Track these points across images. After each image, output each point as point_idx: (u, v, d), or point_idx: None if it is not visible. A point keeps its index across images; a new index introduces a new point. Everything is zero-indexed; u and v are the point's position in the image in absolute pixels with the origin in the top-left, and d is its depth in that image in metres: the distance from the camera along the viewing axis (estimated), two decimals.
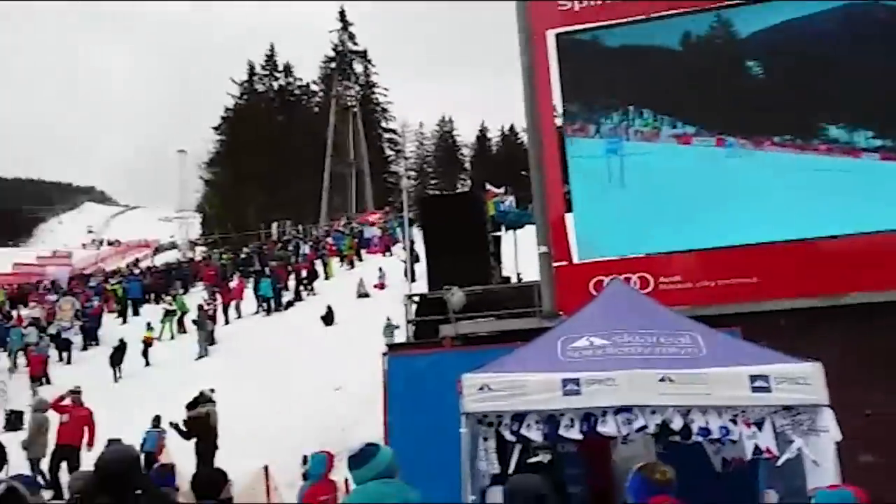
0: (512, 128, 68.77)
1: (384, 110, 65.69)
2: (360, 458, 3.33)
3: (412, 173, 67.80)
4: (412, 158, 69.90)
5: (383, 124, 65.84)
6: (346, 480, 6.89)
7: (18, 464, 10.67)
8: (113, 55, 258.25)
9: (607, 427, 4.61)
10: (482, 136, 71.64)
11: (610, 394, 4.56)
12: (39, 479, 10.47)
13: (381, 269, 24.83)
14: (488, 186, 14.27)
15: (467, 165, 70.83)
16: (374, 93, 64.48)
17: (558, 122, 9.19)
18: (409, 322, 10.03)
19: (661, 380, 4.52)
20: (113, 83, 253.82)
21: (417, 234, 13.68)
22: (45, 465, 11.11)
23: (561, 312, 8.13)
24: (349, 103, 57.52)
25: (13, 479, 3.16)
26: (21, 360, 19.95)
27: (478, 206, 11.71)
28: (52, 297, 27.66)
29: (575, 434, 4.70)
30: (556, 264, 8.67)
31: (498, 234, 12.17)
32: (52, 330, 21.85)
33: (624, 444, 5.57)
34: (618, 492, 5.23)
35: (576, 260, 8.64)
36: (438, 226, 10.77)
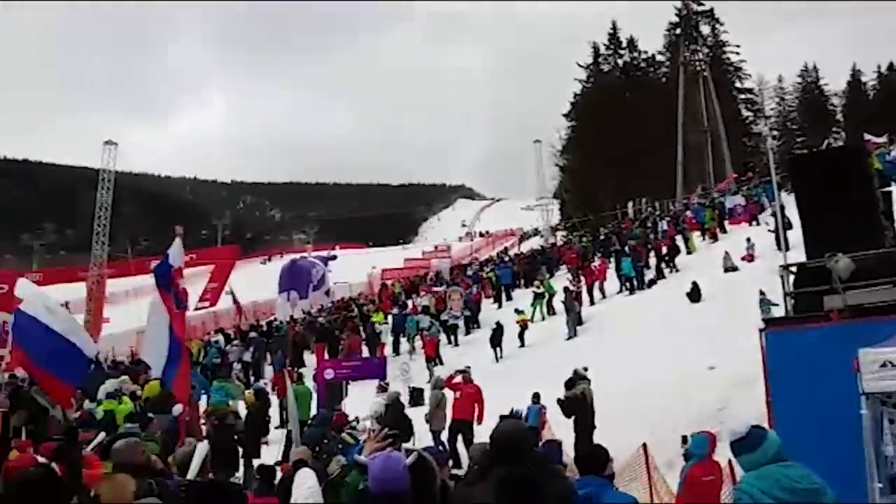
0: (892, 66, 59.41)
1: (737, 69, 61.22)
2: (751, 441, 3.17)
3: (774, 133, 62.19)
4: (773, 117, 64.09)
5: (737, 84, 61.44)
6: (730, 462, 6.64)
7: (421, 435, 12.23)
8: (457, 58, 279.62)
9: None
10: (855, 81, 62.97)
11: None
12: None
13: (748, 240, 23.28)
14: (867, 137, 12.51)
15: (838, 117, 62.80)
16: (724, 53, 60.43)
17: None
18: (786, 295, 9.22)
19: None
20: (464, 85, 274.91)
21: (787, 198, 12.54)
22: (444, 436, 12.51)
23: None
24: (698, 68, 54.83)
25: (425, 450, 3.58)
26: (417, 343, 22.71)
27: (859, 160, 10.30)
28: (440, 287, 30.93)
29: None
30: None
31: (888, 189, 10.61)
32: (444, 317, 24.46)
33: None
34: None
35: None
36: (813, 187, 9.70)
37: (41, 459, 5.70)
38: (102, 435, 8.57)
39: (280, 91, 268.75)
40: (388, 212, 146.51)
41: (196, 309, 39.88)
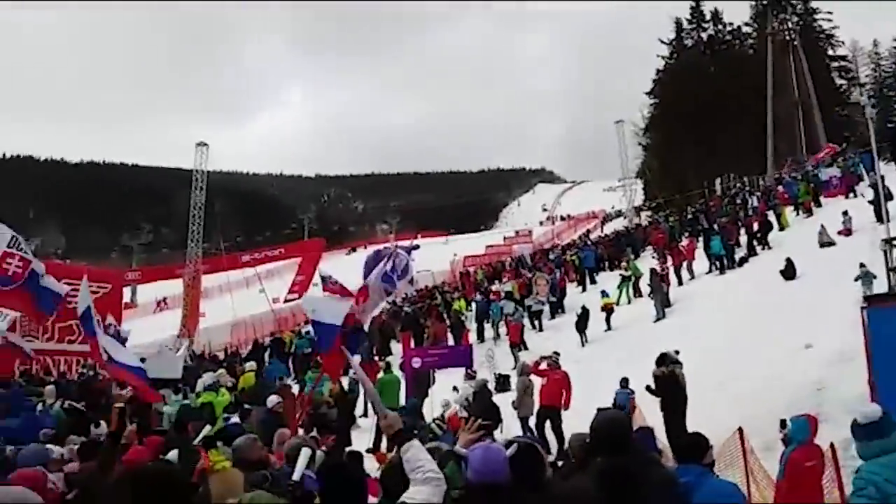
0: None
1: (829, 37, 58.33)
2: (883, 427, 3.02)
3: (871, 101, 58.86)
4: (868, 84, 60.75)
5: (829, 52, 58.52)
6: (832, 446, 6.39)
7: (509, 422, 12.25)
8: (534, 39, 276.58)
9: None
10: None
11: None
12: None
13: (844, 213, 22.19)
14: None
15: None
16: (814, 20, 57.68)
17: None
18: (889, 270, 8.80)
19: None
20: (541, 68, 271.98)
21: (886, 168, 11.90)
22: (531, 423, 12.50)
23: None
24: (787, 37, 52.52)
25: (522, 438, 3.57)
26: (501, 329, 22.72)
27: None
28: (523, 272, 30.81)
29: None
30: None
31: None
32: (528, 302, 24.39)
33: None
34: None
35: None
36: None
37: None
38: (208, 427, 8.96)
39: (357, 84, 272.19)
40: (469, 199, 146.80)
41: (286, 301, 41.21)
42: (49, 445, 6.96)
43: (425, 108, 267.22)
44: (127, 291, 42.14)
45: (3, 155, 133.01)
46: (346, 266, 43.20)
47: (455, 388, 13.52)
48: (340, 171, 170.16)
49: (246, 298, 40.79)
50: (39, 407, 11.65)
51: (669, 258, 24.32)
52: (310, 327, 29.23)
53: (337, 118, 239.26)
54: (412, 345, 21.21)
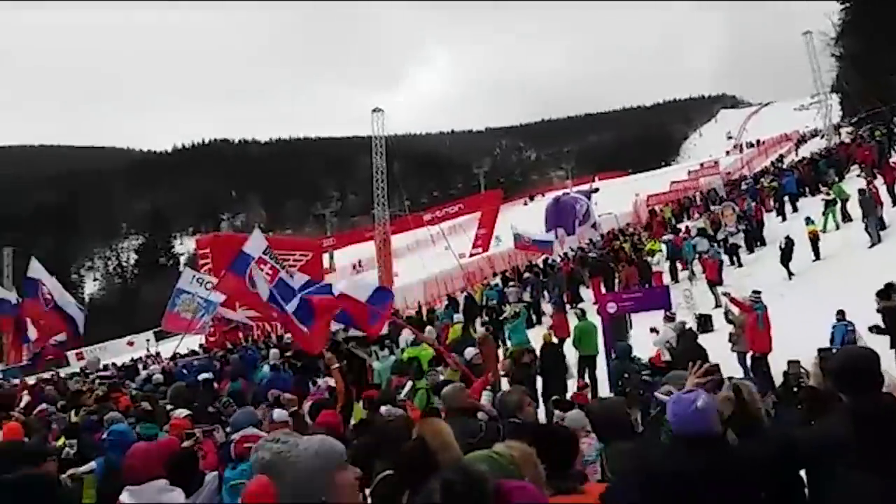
0: None
1: None
2: None
3: None
4: None
5: None
6: None
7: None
8: None
9: None
10: None
11: None
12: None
13: None
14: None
15: None
16: None
17: None
18: None
19: None
20: None
21: None
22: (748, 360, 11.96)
23: None
24: None
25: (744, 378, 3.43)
26: (696, 268, 21.81)
27: None
28: (714, 207, 29.33)
29: None
30: None
31: None
32: (720, 236, 23.23)
33: None
34: None
35: None
36: None
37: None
38: (410, 384, 9.45)
39: (508, 34, 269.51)
40: (646, 134, 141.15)
41: (471, 255, 42.11)
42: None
43: (587, 48, 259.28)
44: (325, 258, 45.00)
45: (203, 140, 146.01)
46: (525, 216, 43.28)
47: (653, 330, 13.20)
48: (510, 122, 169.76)
49: (434, 256, 42.09)
50: (265, 368, 12.85)
51: (880, 177, 22.05)
52: (498, 280, 29.78)
53: (497, 71, 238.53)
54: (603, 290, 20.95)
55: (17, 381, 15.73)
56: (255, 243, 12.60)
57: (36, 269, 17.58)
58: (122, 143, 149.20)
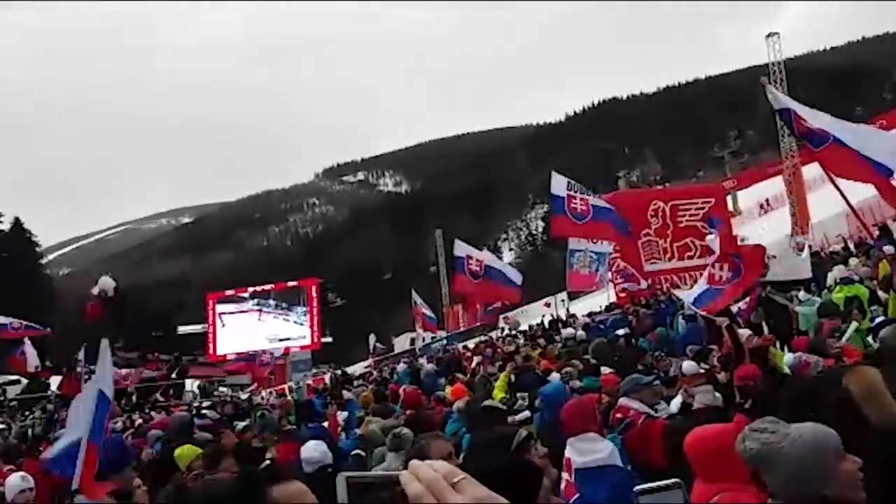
0: None
1: None
2: None
3: None
4: None
5: None
6: None
7: None
8: None
9: None
10: None
11: None
12: None
13: None
14: None
15: None
16: None
17: None
18: None
19: None
20: None
21: None
22: None
23: None
24: None
25: None
26: None
27: None
28: None
29: None
30: None
31: None
32: None
33: None
34: None
35: None
36: None
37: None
38: (854, 325, 8.54)
39: None
40: None
41: None
42: None
43: None
44: (728, 200, 42.79)
45: (593, 103, 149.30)
46: None
47: None
48: None
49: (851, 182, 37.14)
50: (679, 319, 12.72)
51: None
52: None
53: None
54: None
55: (458, 345, 18.14)
56: (556, 183, 11.77)
57: (461, 247, 19.42)
58: (520, 122, 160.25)
